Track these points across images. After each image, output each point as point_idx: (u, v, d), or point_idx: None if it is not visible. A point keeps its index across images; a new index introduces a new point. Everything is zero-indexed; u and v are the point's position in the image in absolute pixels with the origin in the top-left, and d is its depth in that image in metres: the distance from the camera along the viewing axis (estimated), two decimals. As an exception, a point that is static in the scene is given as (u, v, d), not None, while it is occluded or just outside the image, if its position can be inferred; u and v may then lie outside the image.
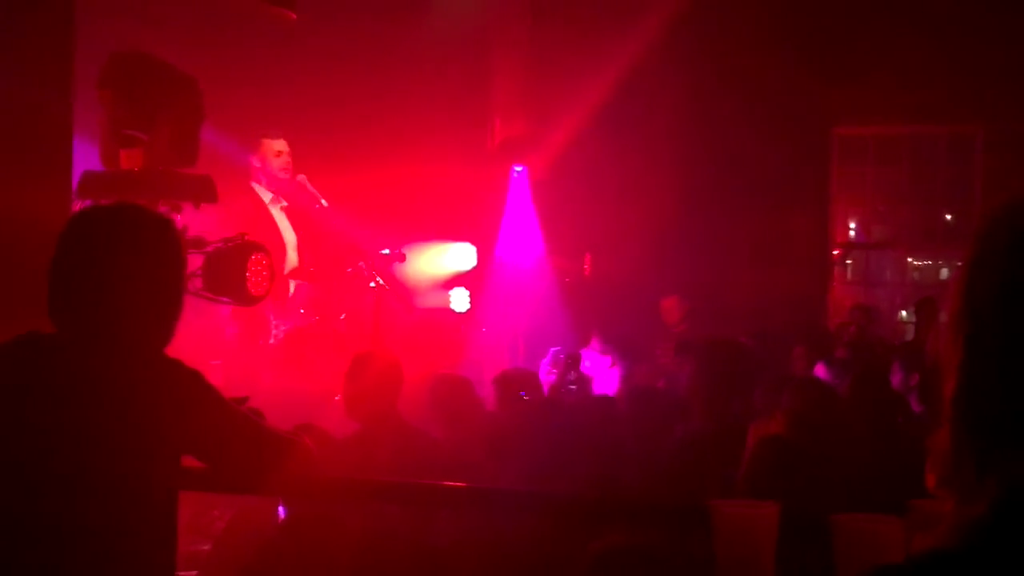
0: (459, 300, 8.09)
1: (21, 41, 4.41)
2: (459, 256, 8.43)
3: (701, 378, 5.16)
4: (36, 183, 4.43)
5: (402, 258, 6.82)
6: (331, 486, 2.81)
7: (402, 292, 6.95)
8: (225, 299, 4.70)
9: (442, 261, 8.34)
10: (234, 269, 4.63)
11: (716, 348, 5.46)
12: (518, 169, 9.16)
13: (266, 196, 6.92)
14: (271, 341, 6.71)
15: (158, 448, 2.46)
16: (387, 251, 6.79)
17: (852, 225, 11.57)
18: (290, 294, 6.87)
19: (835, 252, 11.24)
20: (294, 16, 5.63)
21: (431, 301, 8.03)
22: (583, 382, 6.18)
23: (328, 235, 6.95)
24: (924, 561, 1.21)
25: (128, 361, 2.49)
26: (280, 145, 6.94)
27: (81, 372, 2.46)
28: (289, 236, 6.92)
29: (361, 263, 6.57)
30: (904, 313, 11.25)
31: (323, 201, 6.70)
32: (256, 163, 6.92)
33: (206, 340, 5.91)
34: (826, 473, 3.00)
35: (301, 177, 6.76)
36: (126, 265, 2.55)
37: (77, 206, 4.80)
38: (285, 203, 6.96)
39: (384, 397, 4.61)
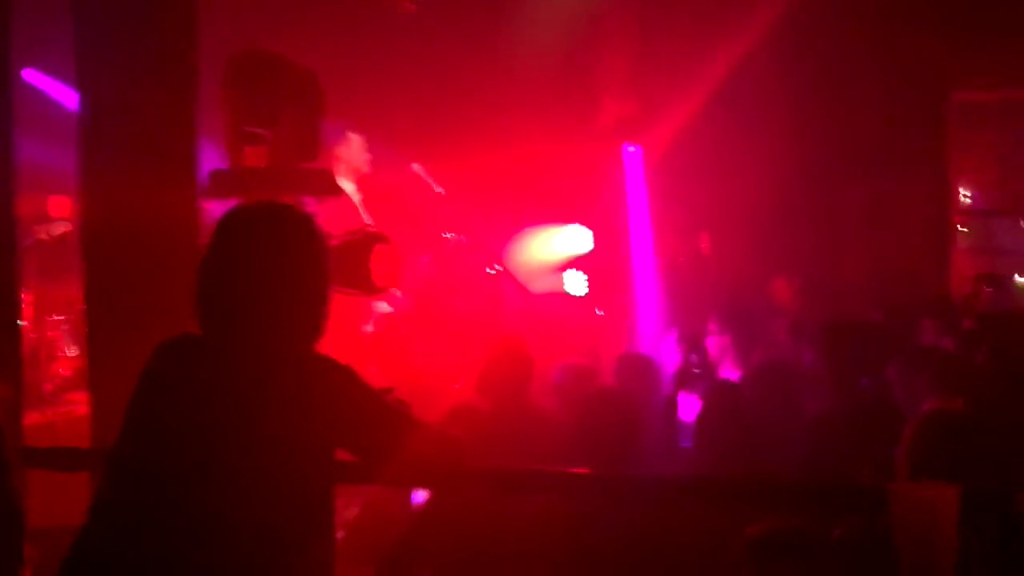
0: (575, 283, 8.05)
1: (146, 45, 4.50)
2: (574, 239, 8.39)
3: (826, 361, 5.09)
4: (165, 184, 4.52)
5: (465, 244, 6.78)
6: (480, 476, 2.80)
7: (519, 277, 6.93)
8: (352, 291, 4.74)
9: (556, 244, 8.31)
10: (359, 261, 4.67)
11: (837, 330, 5.37)
12: (631, 148, 9.07)
13: (348, 187, 6.98)
14: (368, 328, 6.80)
15: (313, 444, 2.47)
16: (450, 235, 6.77)
17: (970, 193, 11.24)
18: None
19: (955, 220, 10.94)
20: (414, 8, 5.64)
21: (546, 285, 8.01)
22: (708, 365, 6.08)
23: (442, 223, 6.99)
24: None
25: (281, 359, 2.50)
26: (362, 139, 7.01)
27: (239, 371, 2.48)
28: None
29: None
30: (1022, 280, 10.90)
31: (439, 189, 6.74)
32: (343, 155, 6.97)
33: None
34: (1000, 448, 2.90)
35: (416, 166, 6.80)
36: (277, 264, 2.55)
37: (205, 205, 4.89)
38: (362, 196, 7.04)
39: (517, 383, 4.65)
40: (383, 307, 6.91)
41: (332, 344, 2.65)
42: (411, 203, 7.08)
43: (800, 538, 2.57)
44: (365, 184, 7.05)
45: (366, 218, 6.97)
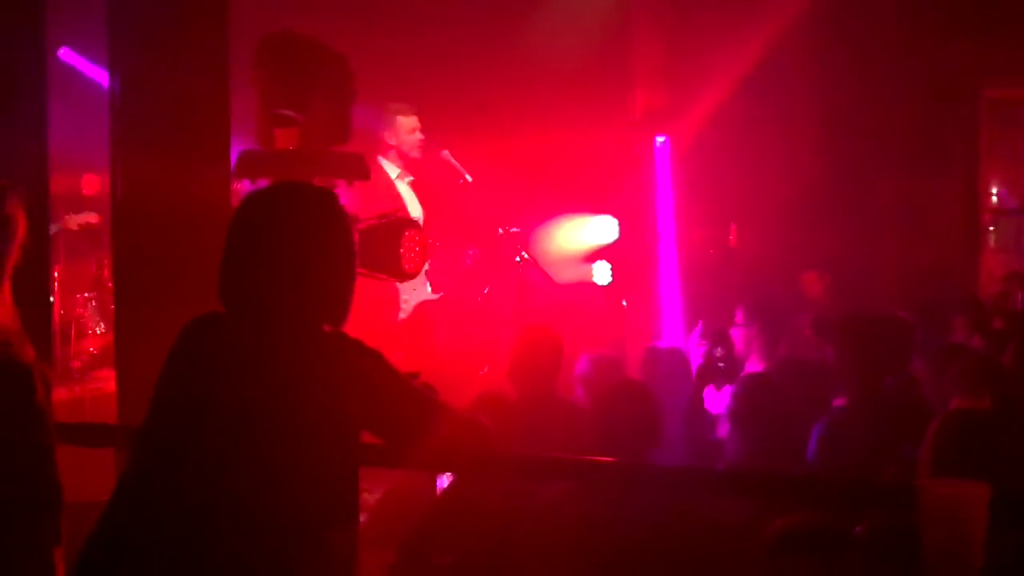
0: (601, 273, 8.04)
1: (177, 25, 4.52)
2: (601, 229, 8.37)
3: (848, 356, 5.03)
4: (196, 164, 4.54)
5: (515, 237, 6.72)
6: (508, 464, 2.80)
7: (545, 266, 6.90)
8: (380, 275, 4.76)
9: (584, 234, 8.29)
10: (388, 246, 4.69)
11: (858, 325, 5.32)
12: (660, 140, 9.02)
13: (393, 171, 6.92)
14: (400, 316, 6.78)
15: (339, 425, 2.47)
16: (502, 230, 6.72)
17: (1001, 190, 11.14)
18: (424, 269, 6.92)
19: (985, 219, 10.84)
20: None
21: (572, 275, 7.99)
22: (733, 360, 6.03)
23: (471, 211, 6.96)
24: None
25: (308, 339, 2.51)
26: (413, 122, 6.95)
27: (265, 351, 2.48)
28: (416, 212, 6.92)
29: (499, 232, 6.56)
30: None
31: (468, 176, 6.72)
32: (390, 139, 6.92)
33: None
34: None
35: (445, 153, 6.77)
36: (298, 241, 2.54)
37: (235, 186, 4.91)
38: (412, 178, 6.98)
39: (547, 371, 4.66)
40: (427, 292, 6.90)
41: (359, 329, 2.65)
42: (443, 190, 7.05)
43: (823, 534, 2.55)
44: (414, 168, 6.99)
45: (414, 204, 6.94)
